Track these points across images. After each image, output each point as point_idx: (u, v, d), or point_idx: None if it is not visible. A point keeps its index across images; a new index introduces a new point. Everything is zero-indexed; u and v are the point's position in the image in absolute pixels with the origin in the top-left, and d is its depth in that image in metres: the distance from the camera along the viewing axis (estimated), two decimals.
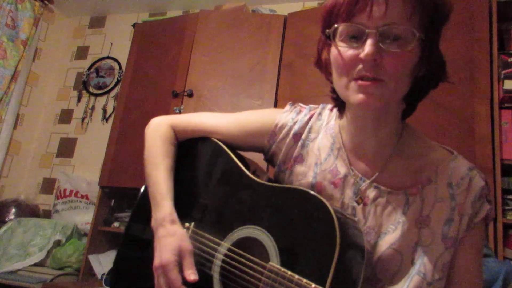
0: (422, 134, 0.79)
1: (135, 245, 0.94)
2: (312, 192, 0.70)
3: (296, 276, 0.63)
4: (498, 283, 1.40)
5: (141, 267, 0.89)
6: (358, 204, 0.74)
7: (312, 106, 0.88)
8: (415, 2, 0.63)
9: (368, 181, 0.74)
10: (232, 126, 0.90)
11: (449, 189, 0.71)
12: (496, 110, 1.73)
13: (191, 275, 0.74)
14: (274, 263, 0.68)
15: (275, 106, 2.11)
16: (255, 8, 2.66)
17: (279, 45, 2.21)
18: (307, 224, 0.68)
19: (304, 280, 0.62)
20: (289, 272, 0.64)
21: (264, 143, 0.87)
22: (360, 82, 0.64)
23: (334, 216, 0.64)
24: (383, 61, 0.63)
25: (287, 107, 0.88)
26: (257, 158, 0.94)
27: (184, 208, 0.88)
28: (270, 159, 0.90)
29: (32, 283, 2.06)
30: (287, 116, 0.86)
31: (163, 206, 0.83)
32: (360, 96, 0.65)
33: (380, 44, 0.62)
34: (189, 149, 0.95)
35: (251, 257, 0.73)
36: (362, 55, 0.62)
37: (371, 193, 0.74)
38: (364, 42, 0.63)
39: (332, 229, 0.63)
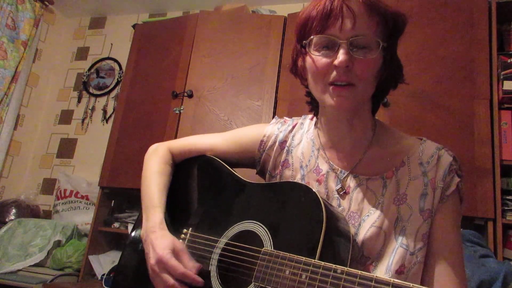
0: (393, 127, 0.88)
1: (138, 250, 0.95)
2: (299, 182, 0.78)
3: (288, 254, 0.69)
4: (497, 284, 1.41)
5: (143, 271, 0.90)
6: (340, 193, 0.82)
7: (295, 118, 0.98)
8: (379, 16, 0.74)
9: (347, 173, 0.83)
10: (225, 143, 0.99)
11: (420, 167, 0.78)
12: (496, 111, 1.74)
13: (193, 267, 0.78)
14: (268, 247, 0.73)
15: (275, 106, 2.12)
16: (255, 8, 2.66)
17: (279, 46, 2.21)
18: (296, 209, 0.74)
19: (296, 256, 0.67)
20: (282, 252, 0.70)
21: (255, 153, 0.96)
22: (334, 87, 0.74)
23: (320, 198, 0.70)
24: (354, 67, 0.73)
25: (273, 120, 0.99)
26: (250, 174, 0.98)
27: (184, 218, 0.93)
28: (261, 170, 0.97)
29: (32, 284, 2.06)
30: (274, 127, 0.96)
31: (154, 217, 0.88)
32: (335, 100, 0.74)
33: (350, 52, 0.72)
34: (185, 167, 1.01)
35: (246, 246, 0.77)
36: (336, 62, 0.72)
37: (352, 182, 0.82)
38: (336, 51, 0.73)
39: (318, 209, 0.69)
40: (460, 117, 1.76)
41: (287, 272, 0.67)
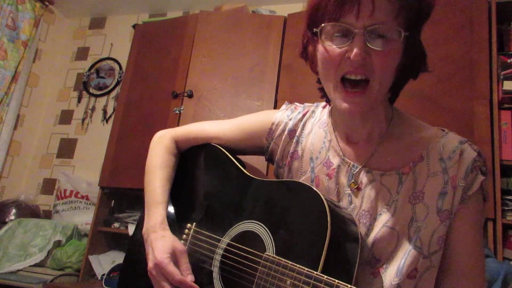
0: (413, 117, 0.81)
1: (141, 250, 0.95)
2: (304, 183, 0.73)
3: (290, 262, 0.65)
4: (497, 284, 1.41)
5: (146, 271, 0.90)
6: (352, 189, 0.76)
7: (307, 104, 0.91)
8: (401, 1, 0.64)
9: (360, 167, 0.76)
10: (232, 130, 0.93)
11: (441, 163, 0.72)
12: (496, 111, 1.74)
13: (189, 275, 0.76)
14: (270, 252, 0.70)
15: (275, 107, 2.12)
16: (255, 8, 2.66)
17: (279, 46, 2.21)
18: (300, 213, 0.70)
19: (298, 265, 0.63)
20: (283, 259, 0.66)
21: (263, 142, 0.91)
22: (347, 93, 0.68)
23: (325, 202, 0.66)
24: (371, 59, 0.65)
25: (283, 106, 0.93)
26: (257, 159, 0.96)
27: (187, 211, 0.91)
28: (270, 159, 0.92)
29: (33, 284, 2.06)
30: (283, 114, 0.90)
31: (156, 214, 0.85)
32: (346, 105, 0.68)
33: (367, 43, 0.64)
34: (190, 156, 0.98)
35: (248, 249, 0.74)
36: (351, 55, 0.65)
37: (364, 178, 0.76)
38: (351, 41, 0.65)
39: (323, 215, 0.65)
40: (460, 117, 1.76)
41: (288, 282, 0.64)
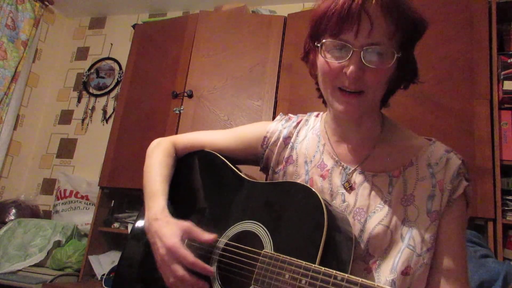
0: (401, 125, 0.88)
1: (139, 250, 0.95)
2: (300, 182, 0.77)
3: (288, 257, 0.68)
4: (498, 284, 1.41)
5: (144, 271, 0.90)
6: (346, 188, 0.81)
7: (300, 115, 0.97)
8: (397, 22, 0.71)
9: (353, 168, 0.82)
10: (227, 139, 0.98)
11: (429, 168, 0.78)
12: (496, 111, 1.74)
13: (208, 236, 0.78)
14: (268, 250, 0.72)
15: (275, 107, 2.12)
16: (255, 8, 2.66)
17: (279, 46, 2.21)
18: (297, 211, 0.73)
19: (296, 260, 0.66)
20: (282, 255, 0.69)
21: (258, 149, 0.95)
22: (343, 94, 0.74)
23: (322, 202, 0.69)
24: (365, 74, 0.71)
25: (278, 117, 0.99)
26: (252, 170, 0.98)
27: (184, 213, 0.91)
28: (264, 167, 0.96)
29: (32, 284, 2.06)
30: (278, 123, 0.95)
31: (155, 205, 0.86)
32: (343, 106, 0.75)
33: (363, 61, 0.70)
34: (186, 161, 1.01)
35: (246, 247, 0.76)
36: (347, 72, 0.71)
37: (357, 178, 0.81)
38: (349, 58, 0.71)
39: (320, 213, 0.69)
40: (460, 117, 1.76)
41: (287, 276, 0.66)
